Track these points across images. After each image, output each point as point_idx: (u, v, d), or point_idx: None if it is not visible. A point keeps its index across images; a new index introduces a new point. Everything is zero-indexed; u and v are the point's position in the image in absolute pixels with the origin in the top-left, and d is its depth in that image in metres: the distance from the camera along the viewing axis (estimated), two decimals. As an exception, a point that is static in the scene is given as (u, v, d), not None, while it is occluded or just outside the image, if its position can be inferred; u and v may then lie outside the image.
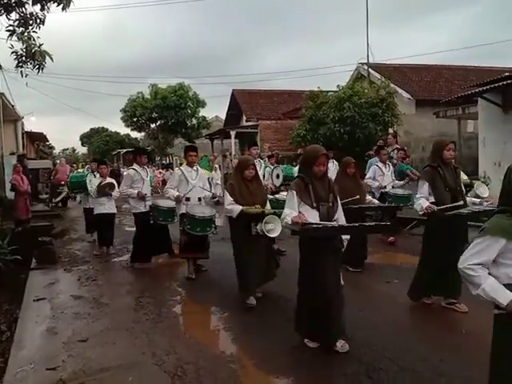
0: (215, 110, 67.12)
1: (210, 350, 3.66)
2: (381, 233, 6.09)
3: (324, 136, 11.44)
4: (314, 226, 3.34)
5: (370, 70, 16.63)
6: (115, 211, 7.73)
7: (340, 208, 3.62)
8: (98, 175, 7.83)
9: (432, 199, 4.26)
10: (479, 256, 2.02)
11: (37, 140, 23.82)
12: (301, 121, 12.44)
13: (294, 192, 3.48)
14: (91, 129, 53.90)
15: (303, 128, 11.83)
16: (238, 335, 3.99)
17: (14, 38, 7.39)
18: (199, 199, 5.93)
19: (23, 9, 7.33)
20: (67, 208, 15.16)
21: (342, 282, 3.70)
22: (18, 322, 4.64)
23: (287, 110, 24.50)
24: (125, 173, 8.00)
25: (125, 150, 42.03)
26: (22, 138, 17.09)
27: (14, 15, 7.33)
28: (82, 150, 63.29)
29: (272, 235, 4.45)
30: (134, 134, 41.17)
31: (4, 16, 7.26)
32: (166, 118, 28.43)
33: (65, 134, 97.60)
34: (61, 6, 7.09)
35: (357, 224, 3.70)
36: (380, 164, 7.35)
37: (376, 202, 6.19)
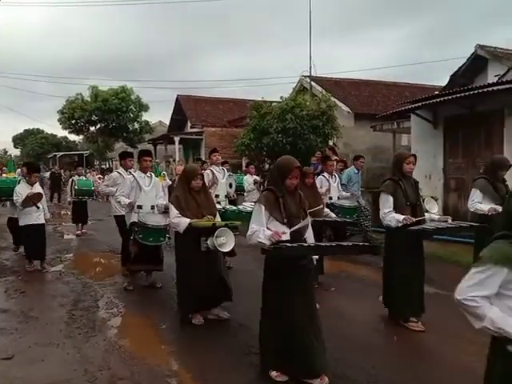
0: (159, 115, 65.96)
1: (145, 364, 3.55)
2: (360, 254, 5.46)
3: (267, 145, 11.63)
4: (288, 245, 3.04)
5: (311, 82, 17.18)
6: (44, 221, 6.89)
7: (310, 225, 3.37)
8: (23, 182, 6.91)
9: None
10: (481, 288, 1.73)
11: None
12: (245, 130, 12.57)
13: (263, 206, 3.18)
14: (25, 130, 51.01)
15: (247, 137, 11.96)
16: (176, 349, 3.89)
17: None
18: (152, 207, 5.58)
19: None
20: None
21: (317, 305, 3.37)
22: None
23: (232, 118, 24.67)
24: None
25: (61, 154, 40.18)
26: None
27: None
28: (15, 151, 59.59)
29: (224, 250, 4.17)
30: (72, 137, 39.49)
31: None
32: (106, 121, 27.48)
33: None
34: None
35: (334, 244, 3.47)
36: (326, 175, 7.26)
37: (333, 215, 6.02)
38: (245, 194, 8.29)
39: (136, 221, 5.33)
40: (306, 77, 17.75)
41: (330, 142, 11.93)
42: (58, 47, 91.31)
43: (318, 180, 7.47)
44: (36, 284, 6.10)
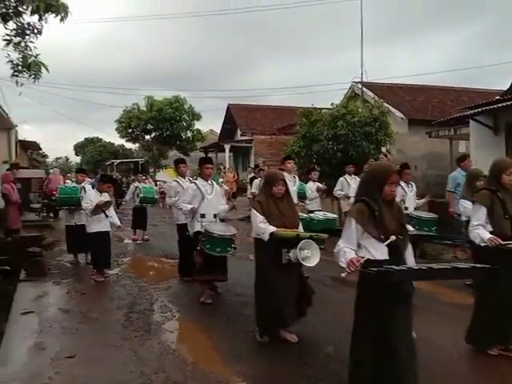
0: (210, 123, 67.44)
1: (199, 369, 3.62)
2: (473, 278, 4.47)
3: (317, 153, 11.51)
4: (397, 268, 2.59)
5: (363, 88, 16.88)
6: (110, 229, 6.90)
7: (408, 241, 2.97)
8: (93, 189, 7.13)
9: (489, 228, 3.71)
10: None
11: (30, 148, 23.72)
12: (295, 137, 12.53)
13: (353, 220, 2.82)
14: (85, 138, 53.84)
15: (297, 144, 11.89)
16: (229, 356, 3.91)
17: (11, 47, 7.46)
18: (215, 216, 5.50)
19: (21, 18, 7.40)
20: (58, 218, 15.04)
21: (414, 334, 2.97)
22: (3, 336, 4.56)
23: (282, 125, 24.75)
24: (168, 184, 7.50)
25: (118, 161, 42.06)
26: (16, 146, 17.01)
27: (11, 24, 7.40)
28: (76, 159, 63.10)
29: (308, 264, 3.83)
30: (129, 145, 41.15)
31: (1, 25, 7.33)
32: (160, 129, 28.50)
33: (58, 142, 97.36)
34: (59, 17, 7.19)
35: (449, 266, 2.83)
36: (402, 183, 6.76)
37: (410, 227, 5.17)
38: (307, 201, 7.96)
39: (200, 230, 5.20)
40: (357, 83, 17.47)
41: (383, 149, 11.61)
42: (116, 60, 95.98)
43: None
44: (95, 286, 6.39)
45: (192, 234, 5.45)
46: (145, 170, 35.86)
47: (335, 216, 7.38)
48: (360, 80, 16.86)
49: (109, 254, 6.85)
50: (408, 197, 6.89)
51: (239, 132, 26.56)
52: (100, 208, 6.47)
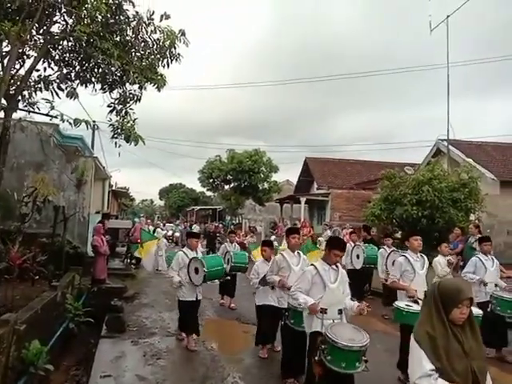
0: (286, 173, 68.43)
1: None
2: None
3: (400, 217, 11.02)
4: None
5: (449, 146, 16.13)
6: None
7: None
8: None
9: None
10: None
11: (120, 196, 25.58)
12: (376, 199, 12.16)
13: (422, 352, 2.36)
14: (170, 184, 57.18)
15: (378, 207, 11.52)
16: None
17: (113, 114, 8.19)
18: (340, 312, 4.28)
19: (124, 88, 8.14)
20: (140, 267, 15.74)
21: None
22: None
23: (360, 180, 24.36)
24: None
25: (198, 208, 43.89)
26: (108, 195, 18.42)
27: (115, 93, 8.16)
28: (160, 202, 66.98)
29: None
30: (208, 193, 42.94)
31: (107, 93, 8.12)
32: (239, 180, 29.54)
33: (145, 186, 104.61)
34: (156, 86, 7.82)
35: None
36: (482, 256, 6.28)
37: (478, 311, 4.74)
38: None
39: (320, 331, 4.06)
40: (443, 140, 16.77)
41: (472, 217, 10.80)
42: (202, 114, 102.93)
43: (471, 262, 6.42)
44: (170, 351, 6.40)
45: (309, 334, 4.31)
46: (221, 217, 36.98)
47: None
48: (446, 137, 16.16)
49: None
50: (489, 272, 6.25)
51: (316, 185, 26.52)
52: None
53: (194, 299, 6.44)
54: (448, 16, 15.60)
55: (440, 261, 6.99)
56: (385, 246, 9.13)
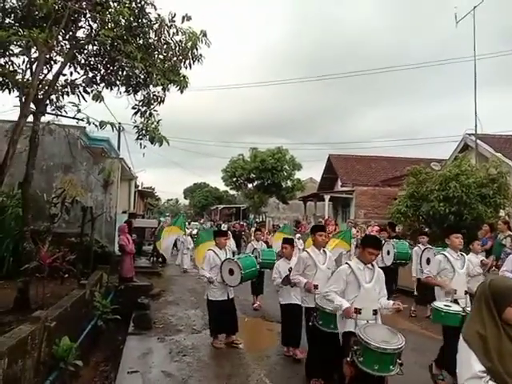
0: (310, 171, 68.07)
1: None
2: None
3: (427, 213, 10.81)
4: None
5: (478, 141, 15.68)
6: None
7: None
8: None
9: None
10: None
11: (146, 196, 26.01)
12: (402, 196, 11.94)
13: (473, 354, 2.22)
14: (194, 184, 57.82)
15: (404, 204, 11.31)
16: None
17: (138, 116, 8.32)
18: (374, 312, 4.10)
19: (148, 90, 8.27)
20: (166, 264, 15.99)
21: None
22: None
23: (385, 176, 23.98)
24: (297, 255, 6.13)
25: (222, 206, 44.18)
26: (134, 195, 18.77)
27: (139, 95, 8.29)
28: (185, 201, 67.85)
29: None
30: (232, 191, 43.16)
31: (132, 95, 8.26)
32: (262, 178, 29.55)
33: (170, 185, 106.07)
34: (178, 88, 7.91)
35: None
36: None
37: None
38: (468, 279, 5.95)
39: (354, 331, 3.87)
40: (470, 135, 16.31)
41: (502, 212, 10.48)
42: (225, 114, 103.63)
43: (509, 260, 6.11)
44: (196, 348, 6.47)
45: (341, 334, 4.15)
46: (245, 216, 37.15)
47: None
48: (474, 132, 15.72)
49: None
50: None
51: (339, 182, 26.28)
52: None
53: (226, 298, 6.39)
54: (475, 7, 15.17)
55: (472, 259, 6.53)
56: (419, 244, 8.78)
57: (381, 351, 3.54)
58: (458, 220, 9.95)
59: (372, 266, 4.23)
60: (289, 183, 30.08)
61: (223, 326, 6.46)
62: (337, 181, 27.23)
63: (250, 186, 31.41)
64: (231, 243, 11.20)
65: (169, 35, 7.49)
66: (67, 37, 7.28)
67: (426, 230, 10.59)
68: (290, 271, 5.77)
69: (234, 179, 30.52)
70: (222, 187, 45.63)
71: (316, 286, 4.90)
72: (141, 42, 7.46)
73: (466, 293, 5.09)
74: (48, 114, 7.44)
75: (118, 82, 7.76)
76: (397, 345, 3.58)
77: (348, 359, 3.74)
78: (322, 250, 5.45)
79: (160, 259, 16.22)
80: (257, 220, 33.35)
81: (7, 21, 6.97)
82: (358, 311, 3.95)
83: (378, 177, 24.90)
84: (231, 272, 6.19)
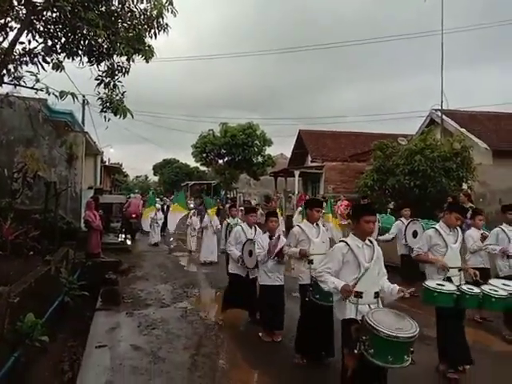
0: (280, 146, 68.19)
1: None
2: None
3: (392, 187, 11.07)
4: None
5: (443, 116, 16.07)
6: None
7: None
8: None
9: None
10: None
11: (113, 172, 25.42)
12: (368, 170, 12.17)
13: None
14: (164, 160, 56.84)
15: (370, 178, 11.53)
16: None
17: (101, 87, 8.04)
18: (376, 295, 3.68)
19: (111, 60, 7.97)
20: (135, 240, 15.85)
21: None
22: (80, 369, 4.80)
23: (354, 152, 24.28)
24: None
25: (192, 183, 43.78)
26: (101, 171, 18.33)
27: (103, 66, 7.99)
28: (154, 178, 66.81)
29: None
30: (203, 167, 42.76)
31: (95, 66, 7.95)
32: (233, 154, 29.34)
33: (138, 162, 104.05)
34: (144, 57, 7.66)
35: None
36: (504, 226, 6.00)
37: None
38: (467, 255, 6.08)
39: (356, 318, 3.48)
40: (436, 110, 16.67)
41: (465, 186, 10.86)
42: (196, 88, 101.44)
43: (493, 233, 6.08)
44: (165, 321, 6.51)
45: (341, 321, 3.67)
46: (216, 192, 37.02)
47: None
48: (440, 107, 16.07)
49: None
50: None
51: (310, 158, 26.46)
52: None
53: (244, 275, 6.21)
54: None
55: (473, 234, 6.45)
56: (402, 218, 8.62)
57: (395, 340, 3.06)
58: (422, 193, 10.25)
59: (371, 242, 3.77)
60: (260, 159, 29.97)
61: (235, 299, 6.28)
62: (307, 156, 27.40)
63: (220, 161, 31.13)
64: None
65: (133, 3, 7.19)
66: (23, 1, 6.87)
67: (391, 202, 10.86)
68: (270, 239, 5.59)
69: (204, 155, 30.13)
70: (193, 163, 45.16)
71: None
72: (103, 9, 7.13)
73: (460, 270, 4.72)
74: (5, 83, 7.08)
75: (79, 52, 7.42)
76: (411, 332, 3.11)
77: (355, 351, 3.24)
78: (314, 224, 5.14)
79: (129, 236, 16.07)
80: (228, 196, 33.33)
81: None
82: (359, 295, 3.53)
83: (347, 152, 25.19)
84: (250, 253, 6.02)
